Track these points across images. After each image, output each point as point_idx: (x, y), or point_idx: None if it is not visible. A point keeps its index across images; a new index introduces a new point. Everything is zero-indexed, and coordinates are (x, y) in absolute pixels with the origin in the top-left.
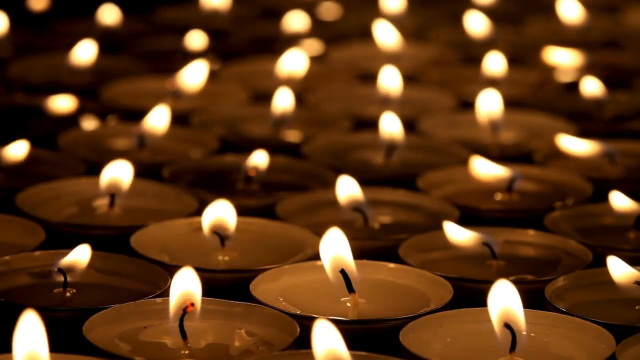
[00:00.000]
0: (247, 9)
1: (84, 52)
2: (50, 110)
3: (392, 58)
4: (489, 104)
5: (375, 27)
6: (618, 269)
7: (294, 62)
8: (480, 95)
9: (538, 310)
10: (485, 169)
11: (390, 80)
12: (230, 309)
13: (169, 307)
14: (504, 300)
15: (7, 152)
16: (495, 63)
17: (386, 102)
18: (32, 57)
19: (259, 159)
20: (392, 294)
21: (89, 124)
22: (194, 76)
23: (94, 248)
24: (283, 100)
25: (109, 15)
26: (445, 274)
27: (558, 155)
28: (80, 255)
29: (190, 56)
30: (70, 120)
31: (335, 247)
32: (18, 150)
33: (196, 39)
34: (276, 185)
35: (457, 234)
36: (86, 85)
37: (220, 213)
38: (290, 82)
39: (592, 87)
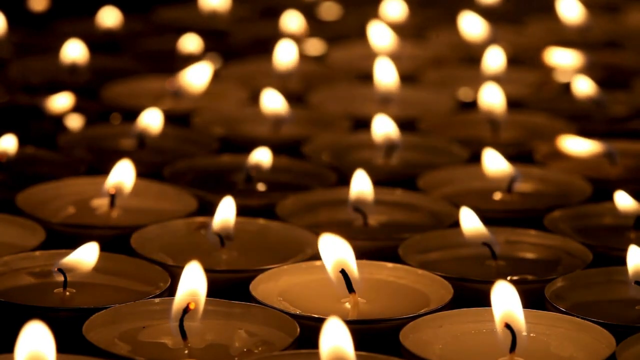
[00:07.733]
0: (247, 9)
1: (82, 52)
2: (50, 110)
3: (391, 58)
4: (491, 101)
5: (372, 27)
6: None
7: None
8: (482, 91)
9: (538, 310)
10: (494, 164)
11: (387, 78)
12: (230, 309)
13: (172, 305)
14: (505, 301)
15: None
16: (494, 61)
17: (385, 102)
18: (32, 57)
19: (262, 156)
20: (392, 294)
21: (89, 124)
22: (197, 77)
23: None
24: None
25: (109, 16)
26: (445, 274)
27: (558, 155)
28: (85, 256)
29: (189, 57)
30: (70, 120)
31: (337, 248)
32: (8, 144)
33: (195, 39)
34: (276, 185)
35: (471, 223)
36: (86, 85)
37: (222, 213)
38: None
39: (584, 86)
